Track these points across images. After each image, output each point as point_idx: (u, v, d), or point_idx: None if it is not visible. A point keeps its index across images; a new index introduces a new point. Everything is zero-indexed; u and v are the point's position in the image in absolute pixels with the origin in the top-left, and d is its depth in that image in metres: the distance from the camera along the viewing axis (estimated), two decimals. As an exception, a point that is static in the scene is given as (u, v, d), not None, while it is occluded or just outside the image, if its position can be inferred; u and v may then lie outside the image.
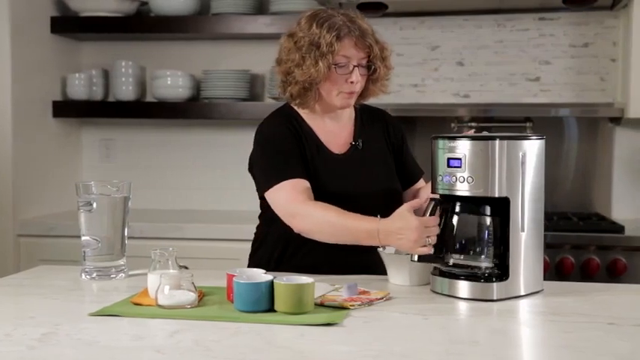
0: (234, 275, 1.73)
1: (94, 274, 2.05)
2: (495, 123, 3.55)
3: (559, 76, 3.55)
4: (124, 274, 2.08)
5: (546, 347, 1.44)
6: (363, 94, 2.19)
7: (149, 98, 3.82)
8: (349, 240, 1.98)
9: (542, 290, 1.87)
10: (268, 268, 1.95)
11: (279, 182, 2.05)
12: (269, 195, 2.09)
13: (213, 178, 3.82)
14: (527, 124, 3.45)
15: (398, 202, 2.17)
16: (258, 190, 2.17)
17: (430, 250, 1.85)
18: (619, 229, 3.06)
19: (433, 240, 1.84)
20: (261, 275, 1.75)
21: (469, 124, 3.53)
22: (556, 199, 3.46)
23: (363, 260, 2.09)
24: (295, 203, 2.02)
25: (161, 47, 3.83)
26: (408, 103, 3.57)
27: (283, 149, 2.10)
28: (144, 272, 2.11)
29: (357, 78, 2.09)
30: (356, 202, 2.07)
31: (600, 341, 1.48)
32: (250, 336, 1.50)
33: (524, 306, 1.76)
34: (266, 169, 2.11)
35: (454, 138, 1.85)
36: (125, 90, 3.72)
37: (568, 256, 2.97)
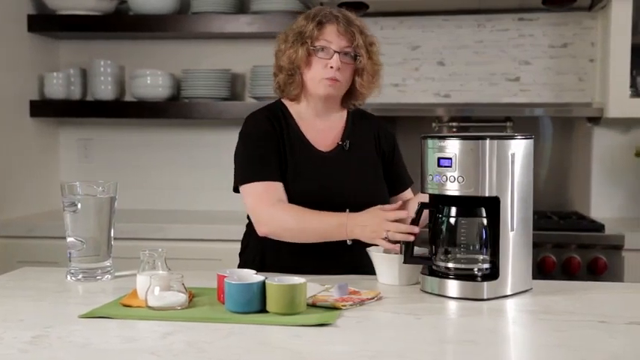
0: (224, 276, 1.72)
1: (80, 276, 2.02)
2: (476, 123, 3.57)
3: (538, 76, 3.57)
4: (110, 276, 2.05)
5: (541, 346, 1.45)
6: (353, 91, 2.19)
7: (128, 98, 3.78)
8: (316, 236, 2.04)
9: (531, 289, 1.88)
10: (253, 268, 1.94)
11: (250, 182, 2.10)
12: (241, 191, 2.14)
13: (194, 179, 3.79)
14: (508, 124, 3.48)
15: (378, 203, 2.19)
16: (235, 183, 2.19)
17: (395, 248, 1.92)
18: (599, 227, 3.09)
19: (393, 235, 1.90)
20: (252, 276, 1.74)
21: (450, 123, 3.55)
22: (535, 198, 3.44)
23: (348, 261, 2.09)
24: (260, 207, 2.08)
25: (140, 46, 3.80)
26: (388, 103, 3.57)
27: (261, 148, 2.12)
28: (131, 273, 2.10)
29: (337, 63, 2.10)
30: (338, 199, 2.10)
31: (593, 340, 1.49)
32: (244, 337, 1.49)
33: (514, 305, 1.76)
34: (242, 166, 2.14)
35: (444, 137, 1.85)
36: (104, 89, 3.68)
37: (550, 255, 3.00)
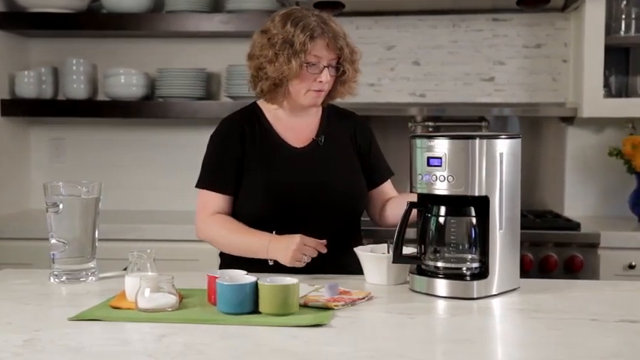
0: (215, 277, 1.71)
1: (64, 278, 1.99)
2: (451, 122, 3.59)
3: (513, 76, 3.61)
4: (94, 277, 2.02)
5: (538, 344, 1.45)
6: (331, 94, 2.21)
7: (101, 97, 3.73)
8: (241, 252, 2.13)
9: (519, 288, 1.90)
10: (237, 267, 1.93)
11: (202, 188, 2.21)
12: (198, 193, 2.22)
13: (170, 179, 3.75)
14: (483, 124, 3.51)
15: (357, 200, 2.23)
16: None
17: (302, 264, 1.98)
18: (575, 226, 3.12)
19: (308, 258, 1.99)
20: (243, 276, 1.73)
21: (425, 123, 3.57)
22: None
23: (328, 262, 2.09)
24: (201, 215, 2.19)
25: (113, 45, 3.75)
26: (364, 103, 3.57)
27: (222, 157, 2.20)
28: (116, 275, 2.08)
29: (327, 78, 2.13)
30: (312, 195, 2.13)
31: (587, 338, 1.50)
32: (241, 338, 1.48)
33: (504, 304, 1.78)
34: (202, 170, 2.23)
35: (433, 137, 1.85)
36: (76, 88, 3.62)
37: (527, 253, 3.02)
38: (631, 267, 3.05)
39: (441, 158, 1.83)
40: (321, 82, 2.11)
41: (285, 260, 2.00)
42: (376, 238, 2.88)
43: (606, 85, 3.41)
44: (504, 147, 1.85)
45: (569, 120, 3.53)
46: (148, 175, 3.78)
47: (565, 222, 3.21)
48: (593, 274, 3.02)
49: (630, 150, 3.36)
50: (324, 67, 2.11)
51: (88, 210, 2.01)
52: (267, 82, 2.13)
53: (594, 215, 3.56)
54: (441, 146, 1.83)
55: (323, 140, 2.22)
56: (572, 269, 3.01)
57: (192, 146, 3.66)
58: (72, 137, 3.81)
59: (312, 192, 2.14)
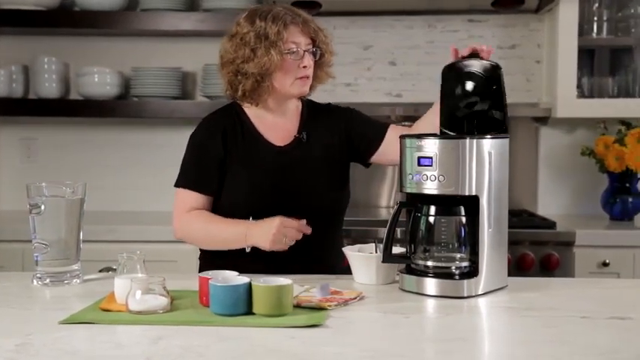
0: (207, 278, 1.69)
1: (47, 280, 1.95)
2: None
3: (487, 76, 3.63)
4: (78, 280, 1.99)
5: (537, 343, 1.46)
6: (312, 81, 2.20)
7: (74, 96, 3.67)
8: (218, 243, 2.12)
9: (507, 286, 1.91)
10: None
11: (180, 187, 2.18)
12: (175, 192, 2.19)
13: (145, 179, 3.71)
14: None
15: (340, 197, 2.23)
16: None
17: (285, 247, 1.98)
18: (551, 224, 3.16)
19: (290, 241, 1.98)
20: (236, 277, 1.71)
21: (402, 123, 3.57)
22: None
23: (315, 262, 2.09)
24: (177, 213, 2.17)
25: (86, 43, 3.69)
26: (341, 102, 3.47)
27: (201, 157, 2.17)
28: (100, 277, 2.05)
29: (310, 62, 2.13)
30: (296, 194, 2.13)
31: (581, 335, 1.52)
32: (238, 340, 1.47)
33: (495, 302, 1.79)
34: (181, 168, 2.20)
35: (423, 137, 1.86)
36: (48, 87, 3.57)
37: (505, 252, 3.05)
38: (605, 264, 3.10)
39: (431, 158, 1.83)
40: (305, 67, 2.11)
41: (265, 244, 1.99)
42: (353, 237, 2.90)
43: (579, 86, 3.46)
44: (493, 146, 1.86)
45: (542, 120, 3.57)
46: (123, 176, 3.73)
47: (541, 221, 3.25)
48: (568, 271, 3.06)
49: (602, 150, 3.41)
50: (304, 51, 2.11)
51: (73, 211, 1.98)
52: (248, 82, 2.11)
53: (567, 214, 3.60)
54: (432, 146, 1.84)
55: (306, 137, 2.21)
56: (549, 267, 3.05)
57: (168, 146, 3.65)
58: (44, 137, 3.75)
59: (295, 190, 2.14)
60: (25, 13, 3.47)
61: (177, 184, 2.19)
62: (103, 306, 1.69)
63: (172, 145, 3.63)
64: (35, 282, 1.96)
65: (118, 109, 3.52)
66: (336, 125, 2.26)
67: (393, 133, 2.23)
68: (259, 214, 2.08)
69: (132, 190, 3.73)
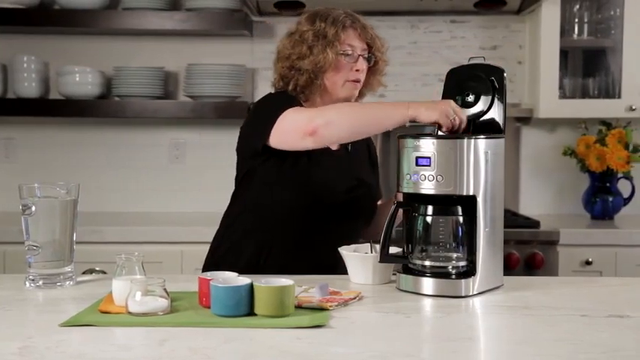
0: (207, 279, 1.68)
1: (40, 282, 1.92)
2: (410, 123, 3.61)
3: (470, 77, 3.66)
4: (71, 282, 1.96)
5: (541, 341, 1.47)
6: (362, 87, 2.24)
7: (54, 95, 3.63)
8: (374, 118, 1.99)
9: (503, 285, 1.93)
10: (237, 270, 1.90)
11: (288, 108, 2.03)
12: (279, 121, 2.01)
13: (128, 179, 3.68)
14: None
15: (375, 206, 2.29)
16: (254, 143, 2.09)
17: (449, 123, 1.90)
18: (535, 224, 3.20)
19: (457, 121, 1.89)
20: (237, 278, 1.70)
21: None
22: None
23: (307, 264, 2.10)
24: (302, 111, 2.04)
25: (67, 42, 3.65)
26: (324, 103, 3.57)
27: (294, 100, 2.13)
28: (93, 278, 2.03)
29: (363, 66, 2.17)
30: (350, 193, 2.17)
31: (583, 333, 1.53)
32: (244, 341, 1.46)
33: (493, 302, 1.80)
34: (271, 109, 2.06)
35: (421, 136, 1.87)
36: (27, 86, 3.53)
37: (490, 252, 3.07)
38: (588, 263, 3.14)
39: (429, 158, 1.84)
40: (357, 70, 2.15)
41: (432, 113, 1.90)
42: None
43: (560, 86, 3.50)
44: (489, 146, 1.87)
45: (524, 120, 3.61)
46: (105, 176, 3.70)
47: (525, 220, 3.29)
48: (552, 270, 3.10)
49: (584, 150, 3.45)
50: (359, 55, 2.15)
51: (66, 212, 1.95)
52: (302, 78, 2.14)
53: (548, 213, 3.64)
54: (429, 146, 1.85)
55: (350, 148, 2.26)
56: (533, 266, 3.08)
57: (150, 146, 3.62)
58: (23, 137, 3.70)
59: (350, 191, 2.18)
60: (4, 11, 3.43)
61: (282, 110, 2.02)
62: (101, 308, 1.67)
63: (155, 146, 3.63)
64: (28, 284, 1.93)
65: (100, 108, 3.49)
66: (369, 151, 2.36)
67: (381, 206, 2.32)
68: (312, 209, 2.11)
69: (114, 191, 3.69)
